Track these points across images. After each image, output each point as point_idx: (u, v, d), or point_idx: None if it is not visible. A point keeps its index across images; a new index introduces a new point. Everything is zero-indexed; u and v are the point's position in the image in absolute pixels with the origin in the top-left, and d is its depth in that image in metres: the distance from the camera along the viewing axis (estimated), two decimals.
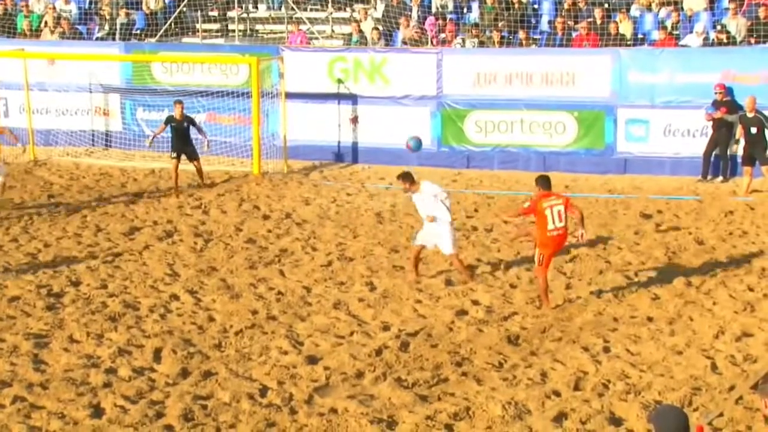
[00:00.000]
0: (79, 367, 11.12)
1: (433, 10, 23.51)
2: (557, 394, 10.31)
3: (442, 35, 22.60)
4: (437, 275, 14.08)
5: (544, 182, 12.78)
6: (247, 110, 21.66)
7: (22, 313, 12.83)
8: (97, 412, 10.07)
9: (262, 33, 26.21)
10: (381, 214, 17.90)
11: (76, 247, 15.84)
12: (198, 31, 25.46)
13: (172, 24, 25.25)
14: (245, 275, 14.43)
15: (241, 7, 25.97)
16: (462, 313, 12.78)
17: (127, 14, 25.04)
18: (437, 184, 14.12)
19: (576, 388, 10.46)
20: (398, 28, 23.22)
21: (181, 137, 19.45)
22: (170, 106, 22.51)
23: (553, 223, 12.47)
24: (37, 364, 11.24)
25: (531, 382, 10.57)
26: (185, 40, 25.32)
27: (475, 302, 13.17)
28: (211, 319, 12.68)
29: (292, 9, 25.07)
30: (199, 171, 19.86)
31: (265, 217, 17.76)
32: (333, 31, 24.97)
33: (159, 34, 24.85)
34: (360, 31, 23.31)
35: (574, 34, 21.67)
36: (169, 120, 19.61)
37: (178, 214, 17.97)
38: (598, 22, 21.51)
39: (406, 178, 13.94)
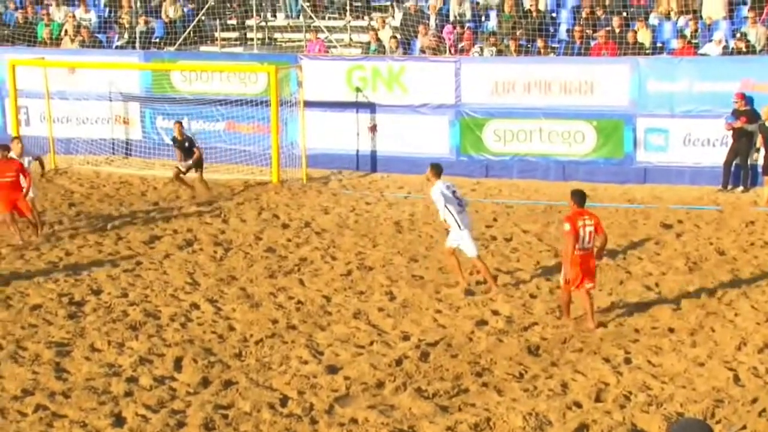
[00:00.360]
0: (100, 376, 11.16)
1: (451, 18, 23.52)
2: (578, 405, 10.27)
3: (460, 44, 22.60)
4: (456, 285, 14.06)
5: (580, 198, 12.45)
6: (265, 119, 21.69)
7: (44, 321, 12.88)
8: (119, 421, 10.11)
9: (281, 41, 26.25)
10: (400, 223, 17.89)
11: (97, 255, 15.89)
12: (217, 40, 25.53)
13: (191, 32, 25.33)
14: (265, 284, 14.44)
15: (260, 16, 26.03)
16: (482, 323, 12.76)
17: (147, 22, 25.15)
18: (442, 191, 13.84)
19: (597, 399, 10.43)
20: (416, 37, 23.24)
21: (185, 155, 19.85)
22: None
23: (582, 242, 12.28)
24: (59, 372, 11.29)
25: (552, 393, 10.53)
26: (204, 48, 25.40)
27: (495, 312, 13.15)
28: (232, 328, 12.70)
29: (311, 17, 25.12)
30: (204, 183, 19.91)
31: (285, 226, 17.78)
32: (351, 39, 25.00)
33: (178, 42, 24.93)
34: (378, 39, 23.33)
35: (592, 43, 21.63)
36: (173, 140, 20.13)
37: (197, 222, 18.01)
38: (617, 30, 21.47)
39: (433, 168, 14.02)
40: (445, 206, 13.75)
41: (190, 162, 19.75)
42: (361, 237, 17.00)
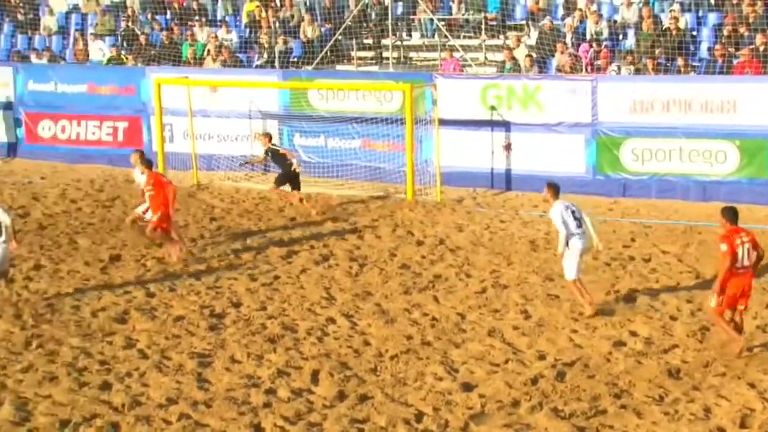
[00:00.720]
0: (240, 387, 11.38)
1: (588, 36, 23.25)
2: (722, 430, 9.98)
3: (597, 62, 22.31)
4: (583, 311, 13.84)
5: (732, 215, 11.98)
6: (400, 137, 21.81)
7: (186, 332, 13.22)
8: (258, 431, 10.29)
9: (416, 60, 26.39)
10: (535, 242, 17.73)
11: (236, 269, 16.21)
12: (353, 59, 25.83)
13: (328, 52, 25.70)
14: (400, 300, 14.51)
15: (395, 35, 26.24)
16: (620, 344, 12.54)
17: (285, 42, 25.62)
18: (562, 212, 13.63)
19: (742, 425, 10.11)
20: (552, 55, 23.05)
21: (279, 167, 20.40)
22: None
23: (740, 261, 11.81)
24: (201, 382, 11.56)
25: (694, 418, 10.27)
26: (340, 67, 25.72)
27: (633, 333, 12.90)
28: (367, 343, 12.79)
29: (446, 37, 25.18)
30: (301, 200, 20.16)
31: (419, 243, 17.83)
32: (486, 58, 24.95)
33: (315, 61, 25.31)
34: (513, 58, 23.22)
35: (734, 61, 21.07)
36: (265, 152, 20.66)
37: (333, 238, 18.19)
38: (761, 48, 20.86)
39: (550, 188, 13.98)
40: (560, 225, 13.54)
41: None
42: (495, 255, 16.92)
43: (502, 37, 25.36)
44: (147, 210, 16.88)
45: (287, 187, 20.12)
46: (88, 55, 27.50)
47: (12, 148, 26.49)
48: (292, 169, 20.03)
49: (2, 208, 14.61)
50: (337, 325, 13.49)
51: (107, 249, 17.34)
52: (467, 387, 11.28)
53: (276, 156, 20.30)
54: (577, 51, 22.75)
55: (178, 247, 16.66)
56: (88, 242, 17.83)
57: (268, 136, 20.67)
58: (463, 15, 25.90)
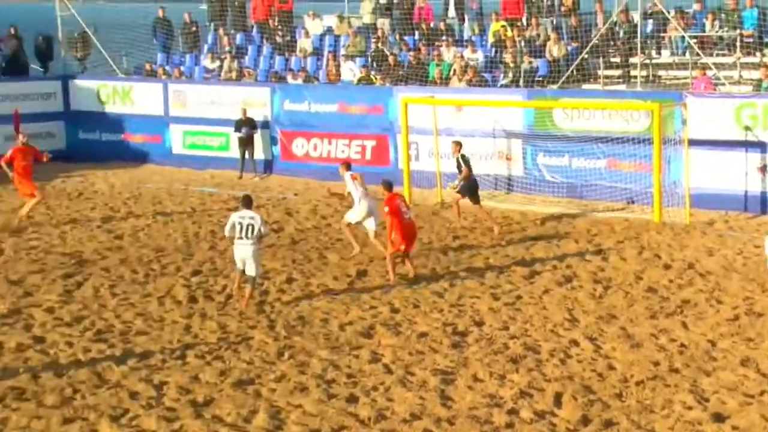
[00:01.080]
0: (482, 406, 11.41)
1: None
2: None
3: None
4: None
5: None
6: (647, 157, 21.28)
7: (430, 349, 13.39)
8: None
9: (665, 79, 25.70)
10: None
11: (479, 287, 16.30)
12: (599, 78, 25.45)
13: (574, 71, 25.44)
14: (646, 325, 14.16)
15: (644, 53, 25.64)
16: None
17: (530, 62, 25.57)
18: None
19: None
20: None
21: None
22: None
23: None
24: (444, 399, 11.67)
25: None
26: (586, 86, 25.40)
27: None
28: (611, 367, 12.55)
29: (698, 54, 24.38)
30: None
31: (666, 267, 17.35)
32: (741, 76, 23.97)
33: (561, 80, 25.12)
34: None
35: None
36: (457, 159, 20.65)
37: (577, 259, 17.98)
38: None
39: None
40: None
41: (456, 181, 20.20)
42: (749, 281, 16.22)
43: (758, 54, 24.30)
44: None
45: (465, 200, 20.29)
46: (339, 76, 28.44)
47: (268, 165, 27.66)
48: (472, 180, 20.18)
49: (259, 216, 15.38)
50: (580, 348, 13.32)
51: (354, 264, 17.80)
52: (718, 418, 10.85)
53: (466, 164, 20.26)
54: None
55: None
56: (337, 257, 18.36)
57: (459, 145, 20.63)
58: (717, 32, 25.00)
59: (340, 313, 15.01)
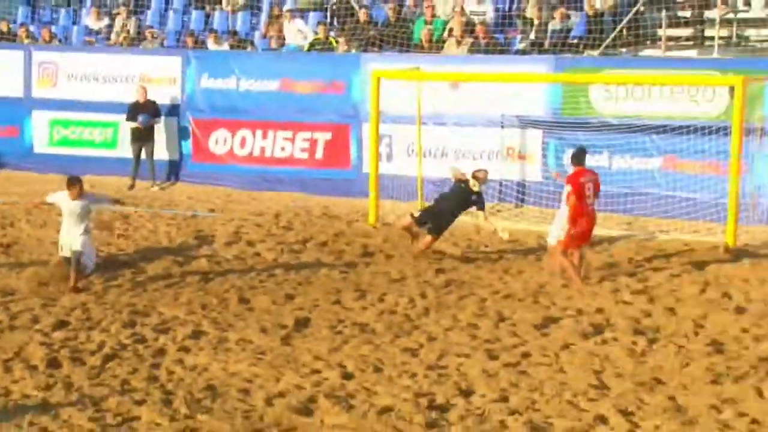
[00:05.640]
0: None
1: None
2: None
3: None
4: None
5: None
6: (722, 153, 21.76)
7: (394, 430, 13.52)
8: None
9: (755, 41, 26.10)
10: None
11: (469, 342, 16.62)
12: (660, 39, 25.79)
13: (624, 30, 25.74)
14: (705, 393, 14.43)
15: (726, 4, 25.99)
16: None
17: (564, 17, 25.90)
18: None
19: None
20: None
21: None
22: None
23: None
24: None
25: None
26: (643, 52, 25.75)
27: None
28: None
29: None
30: None
31: (739, 310, 17.75)
32: None
33: (605, 44, 25.46)
34: None
35: None
36: None
37: (612, 300, 18.35)
38: None
39: None
40: None
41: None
42: None
43: None
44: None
45: None
46: (284, 39, 28.61)
47: (174, 169, 28.12)
48: None
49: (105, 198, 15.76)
50: (609, 427, 13.53)
51: (292, 311, 18.08)
52: None
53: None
54: None
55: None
56: (267, 301, 18.63)
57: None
58: None
59: (269, 380, 15.13)
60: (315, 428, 13.68)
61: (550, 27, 26.11)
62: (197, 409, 14.24)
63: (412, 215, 21.21)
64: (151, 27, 30.46)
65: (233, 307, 18.45)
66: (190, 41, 29.15)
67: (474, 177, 20.97)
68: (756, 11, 26.15)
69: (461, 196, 21.00)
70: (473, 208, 21.08)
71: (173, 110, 28.09)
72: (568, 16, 26.27)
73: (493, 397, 14.46)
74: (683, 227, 22.31)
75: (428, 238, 20.86)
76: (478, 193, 20.99)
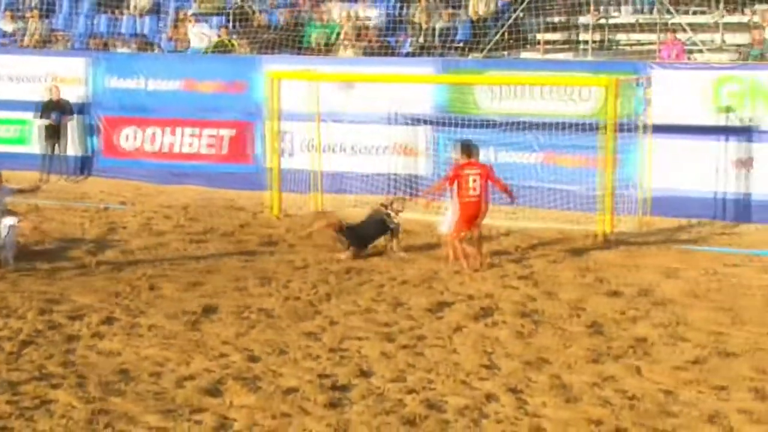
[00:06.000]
0: None
1: None
2: None
3: None
4: None
5: None
6: (596, 149, 21.85)
7: (299, 410, 13.41)
8: None
9: (624, 44, 26.35)
10: None
11: (368, 325, 16.57)
12: (538, 43, 25.97)
13: (505, 34, 25.90)
14: (586, 371, 14.52)
15: (598, 11, 26.22)
16: None
17: (451, 16, 25.90)
18: None
19: None
20: None
21: None
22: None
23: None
24: None
25: None
26: (521, 54, 25.91)
27: None
28: (539, 429, 12.83)
29: (668, 12, 25.05)
30: None
31: (615, 294, 17.88)
32: (723, 41, 24.75)
33: (487, 47, 25.58)
34: (762, 40, 22.99)
35: None
36: None
37: (499, 286, 18.43)
38: None
39: None
40: None
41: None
42: (719, 311, 16.82)
43: (747, 11, 25.11)
44: None
45: None
46: (188, 42, 28.50)
47: (86, 164, 27.90)
48: None
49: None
50: (500, 404, 13.53)
51: (200, 298, 17.95)
52: None
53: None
54: None
55: None
56: (176, 289, 18.50)
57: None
58: None
59: (179, 363, 15.00)
60: (224, 409, 13.55)
61: (437, 29, 26.11)
62: (111, 391, 14.07)
63: (340, 224, 20.93)
64: (60, 30, 30.14)
65: (144, 294, 18.28)
66: (97, 44, 28.89)
67: (395, 210, 20.90)
68: (625, 17, 26.44)
69: (382, 226, 20.86)
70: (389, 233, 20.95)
71: (83, 108, 27.88)
72: (454, 20, 26.29)
73: (391, 378, 14.44)
74: (563, 217, 22.48)
75: (350, 252, 20.61)
76: (397, 224, 20.88)
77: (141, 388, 14.18)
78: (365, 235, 20.78)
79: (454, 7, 26.58)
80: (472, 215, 19.51)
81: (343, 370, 14.72)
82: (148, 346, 15.76)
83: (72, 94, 27.70)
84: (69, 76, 27.84)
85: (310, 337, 16.12)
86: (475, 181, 19.54)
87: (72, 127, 27.51)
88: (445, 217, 20.38)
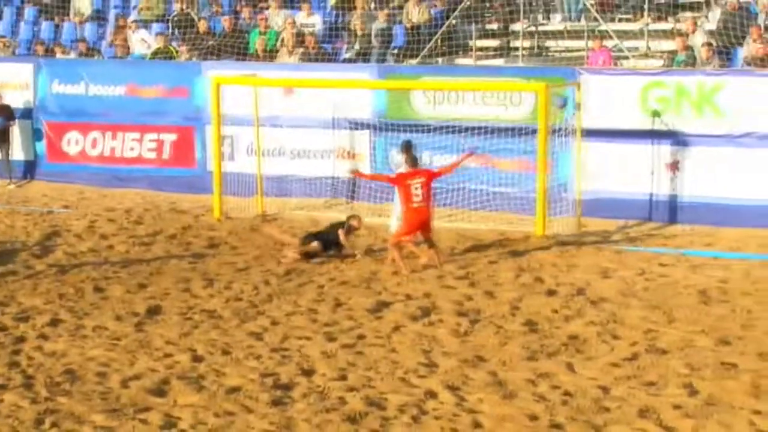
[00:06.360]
0: None
1: None
2: None
3: None
4: None
5: None
6: (530, 152, 21.98)
7: (242, 408, 13.43)
8: None
9: (555, 51, 26.50)
10: (706, 293, 17.71)
11: (310, 325, 16.55)
12: (471, 50, 26.06)
13: (439, 41, 25.97)
14: (522, 368, 14.58)
15: (529, 19, 26.35)
16: None
17: (388, 17, 25.92)
18: None
19: None
20: (739, 44, 22.91)
21: None
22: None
23: None
24: None
25: None
26: (456, 61, 25.97)
27: None
28: (477, 424, 12.87)
29: (595, 20, 25.23)
30: None
31: (551, 293, 17.95)
32: (649, 48, 24.94)
33: (422, 53, 25.61)
34: (687, 47, 23.16)
35: None
36: None
37: (437, 285, 18.42)
38: None
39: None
40: None
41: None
42: (652, 309, 16.92)
43: (671, 19, 25.31)
44: None
45: None
46: (129, 48, 28.34)
47: (29, 168, 27.66)
48: None
49: None
50: (438, 401, 13.59)
51: (144, 299, 17.87)
52: None
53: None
54: None
55: None
56: (121, 290, 18.41)
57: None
58: None
59: (124, 364, 14.95)
60: (168, 408, 13.53)
61: (374, 32, 26.11)
62: (57, 391, 14.02)
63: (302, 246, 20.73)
64: (4, 36, 29.89)
65: (89, 296, 18.20)
66: (40, 50, 28.69)
67: (352, 227, 20.78)
68: (554, 25, 26.58)
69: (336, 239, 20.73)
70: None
71: (27, 113, 27.66)
72: (390, 22, 26.33)
73: (332, 376, 14.47)
74: (498, 219, 22.48)
75: (296, 253, 20.47)
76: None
77: (87, 388, 14.13)
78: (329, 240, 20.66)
79: (389, 15, 26.54)
80: (421, 221, 19.53)
81: (285, 369, 14.72)
82: (93, 347, 15.69)
83: (18, 100, 27.50)
84: (14, 81, 27.59)
85: (252, 337, 16.11)
86: (418, 188, 19.55)
87: (14, 132, 27.24)
88: (392, 219, 20.48)
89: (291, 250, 20.29)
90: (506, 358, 15.00)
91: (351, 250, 20.45)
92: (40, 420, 13.14)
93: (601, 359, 14.86)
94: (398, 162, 20.91)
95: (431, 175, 19.81)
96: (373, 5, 27.08)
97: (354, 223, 20.67)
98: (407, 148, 20.61)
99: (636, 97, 22.33)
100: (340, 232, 20.33)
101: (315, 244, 20.22)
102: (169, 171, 25.74)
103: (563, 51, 26.33)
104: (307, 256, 20.10)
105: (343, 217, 21.13)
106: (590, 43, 24.61)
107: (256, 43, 26.72)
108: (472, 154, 20.95)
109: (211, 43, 27.13)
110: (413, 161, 20.31)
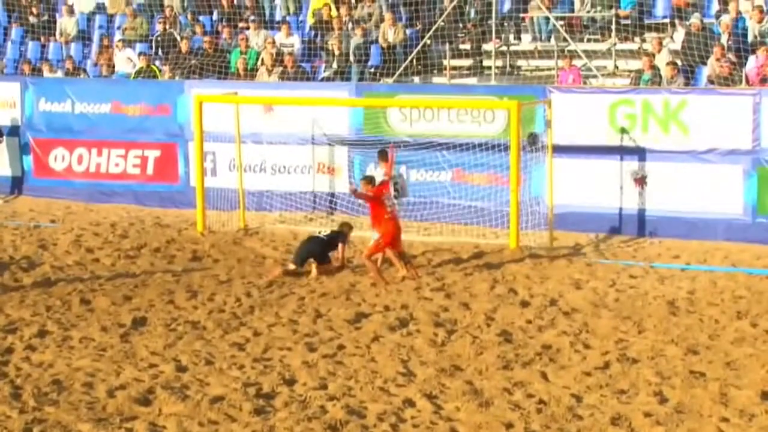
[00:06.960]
0: None
1: (749, 39, 23.07)
2: None
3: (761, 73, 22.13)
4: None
5: None
6: (503, 167, 21.98)
7: (226, 417, 13.39)
8: None
9: (526, 70, 26.56)
10: (675, 303, 17.73)
11: (291, 336, 16.47)
12: (445, 69, 26.07)
13: (414, 60, 25.98)
14: (497, 377, 14.55)
15: (500, 39, 26.39)
16: None
17: (363, 35, 25.90)
18: None
19: None
20: (703, 63, 22.95)
21: None
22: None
23: None
24: None
25: None
26: (432, 80, 25.97)
27: None
28: None
29: (565, 40, 25.28)
30: None
31: (524, 304, 17.93)
32: (616, 67, 24.99)
33: (398, 72, 25.60)
34: (652, 66, 23.19)
35: None
36: None
37: (414, 297, 18.38)
38: None
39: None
40: None
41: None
42: (622, 320, 16.92)
43: (638, 39, 25.36)
44: None
45: None
46: (114, 67, 28.26)
47: (17, 184, 27.50)
48: None
49: None
50: (416, 409, 13.57)
51: (129, 311, 17.78)
52: None
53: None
54: (736, 57, 22.61)
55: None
56: (107, 302, 18.30)
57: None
58: (588, 12, 26.00)
59: (110, 374, 14.89)
60: (154, 417, 13.49)
61: (352, 50, 26.09)
62: (45, 401, 13.94)
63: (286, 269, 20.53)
64: None
65: (75, 308, 18.13)
66: (27, 69, 28.56)
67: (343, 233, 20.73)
68: (525, 45, 26.61)
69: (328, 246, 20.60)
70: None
71: (14, 131, 27.49)
72: (366, 39, 26.32)
73: (313, 385, 14.43)
74: (473, 232, 22.44)
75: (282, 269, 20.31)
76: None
77: (74, 398, 14.06)
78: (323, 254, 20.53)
79: (365, 35, 26.52)
80: (396, 232, 19.64)
81: (267, 379, 14.68)
82: (80, 358, 15.63)
83: (5, 117, 27.39)
84: (2, 99, 27.49)
85: (235, 347, 16.05)
86: (388, 199, 19.74)
87: (2, 149, 27.14)
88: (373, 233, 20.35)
89: (278, 269, 20.15)
90: (482, 367, 14.98)
91: (339, 262, 20.38)
92: (28, 429, 13.07)
93: (573, 368, 14.86)
94: (378, 173, 20.79)
95: (387, 184, 20.03)
96: (350, 25, 27.02)
97: (347, 231, 20.66)
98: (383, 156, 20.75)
99: (604, 115, 22.36)
100: (341, 246, 20.27)
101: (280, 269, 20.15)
102: (153, 186, 25.61)
103: (534, 70, 26.38)
104: (294, 274, 19.99)
105: (322, 230, 21.05)
106: (560, 63, 24.63)
107: (237, 62, 26.65)
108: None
109: (193, 62, 27.02)
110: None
